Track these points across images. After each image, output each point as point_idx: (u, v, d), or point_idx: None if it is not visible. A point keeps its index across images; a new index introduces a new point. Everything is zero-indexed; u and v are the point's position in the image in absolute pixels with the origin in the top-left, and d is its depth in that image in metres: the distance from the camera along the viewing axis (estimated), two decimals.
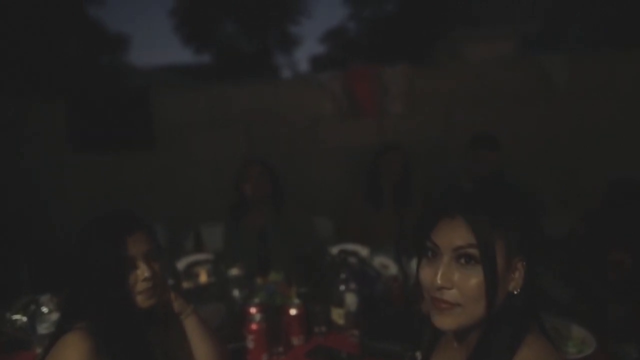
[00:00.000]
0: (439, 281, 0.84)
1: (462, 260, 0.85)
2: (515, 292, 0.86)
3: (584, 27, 7.74)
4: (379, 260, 2.10)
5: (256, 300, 1.76)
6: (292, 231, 2.49)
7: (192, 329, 1.34)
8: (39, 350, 1.61)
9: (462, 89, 3.74)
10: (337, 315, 1.74)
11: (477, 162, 2.68)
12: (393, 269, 2.06)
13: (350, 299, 1.74)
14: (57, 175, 3.80)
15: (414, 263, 1.68)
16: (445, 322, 0.86)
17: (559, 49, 3.72)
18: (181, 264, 2.20)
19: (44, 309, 1.71)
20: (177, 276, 2.08)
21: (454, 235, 0.85)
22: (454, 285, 0.84)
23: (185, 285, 2.09)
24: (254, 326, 1.62)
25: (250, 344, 1.61)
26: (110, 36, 11.46)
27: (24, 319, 1.72)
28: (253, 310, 1.67)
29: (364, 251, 2.15)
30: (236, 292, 1.95)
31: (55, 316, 1.68)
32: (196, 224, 3.12)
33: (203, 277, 2.17)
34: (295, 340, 1.68)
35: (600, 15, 7.76)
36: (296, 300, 1.72)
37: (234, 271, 2.07)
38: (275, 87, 3.92)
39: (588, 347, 1.47)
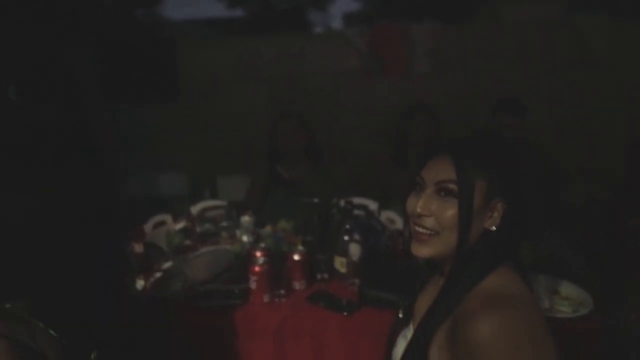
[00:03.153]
0: (418, 209, 0.93)
1: (442, 193, 0.93)
2: (491, 229, 0.93)
3: None
4: (387, 215, 2.12)
5: (262, 245, 1.81)
6: (329, 186, 2.50)
7: None
8: None
9: (493, 50, 3.62)
10: (340, 264, 1.79)
11: (500, 126, 2.62)
12: (399, 223, 2.08)
13: (354, 249, 1.77)
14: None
15: None
16: (421, 250, 0.95)
17: (600, 13, 3.49)
18: (196, 209, 2.28)
19: None
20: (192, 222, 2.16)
21: (439, 170, 0.94)
22: (432, 213, 0.93)
23: (199, 229, 2.17)
24: (257, 268, 1.68)
25: (253, 284, 1.68)
26: None
27: None
28: (258, 253, 1.74)
29: (372, 205, 2.17)
30: (245, 237, 2.02)
31: None
32: (214, 174, 3.19)
33: (217, 223, 2.24)
34: (297, 285, 1.74)
35: None
36: (300, 247, 1.77)
37: (246, 218, 2.13)
38: (301, 42, 3.88)
39: (585, 307, 1.48)
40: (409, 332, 1.08)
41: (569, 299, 1.53)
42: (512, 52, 3.59)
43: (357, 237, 1.79)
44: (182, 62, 3.90)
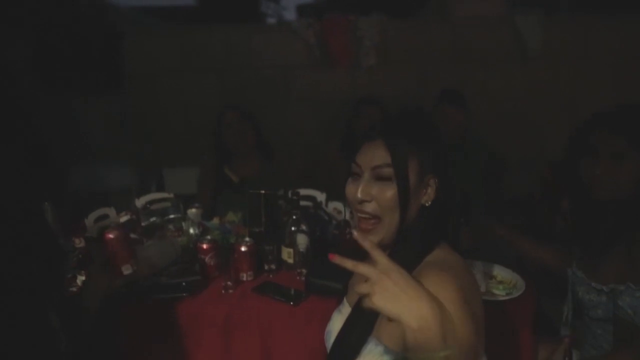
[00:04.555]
0: (359, 195, 0.96)
1: (380, 177, 0.96)
2: (427, 205, 0.97)
3: None
4: (334, 205, 2.16)
5: (209, 237, 1.80)
6: (279, 182, 2.43)
7: None
8: None
9: (439, 44, 3.73)
10: (287, 255, 1.80)
11: (442, 117, 2.71)
12: (346, 214, 2.12)
13: (301, 240, 1.79)
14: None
15: None
16: (372, 238, 0.97)
17: (537, 10, 3.67)
18: (140, 202, 2.23)
19: None
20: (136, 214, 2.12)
21: (374, 155, 0.97)
22: (373, 198, 0.96)
23: (144, 222, 2.13)
24: (204, 261, 1.67)
25: (200, 277, 1.67)
26: None
27: None
28: (205, 246, 1.73)
29: (320, 196, 2.20)
30: (192, 230, 2.00)
31: None
32: (161, 167, 3.13)
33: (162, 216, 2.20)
34: (245, 276, 1.74)
35: None
36: (247, 239, 1.77)
37: (193, 210, 2.11)
38: (250, 33, 3.85)
39: (517, 290, 1.57)
40: (343, 307, 1.12)
41: (503, 283, 1.62)
42: (457, 47, 3.72)
43: (304, 227, 1.81)
44: (128, 51, 3.78)
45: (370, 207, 0.97)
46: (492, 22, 3.74)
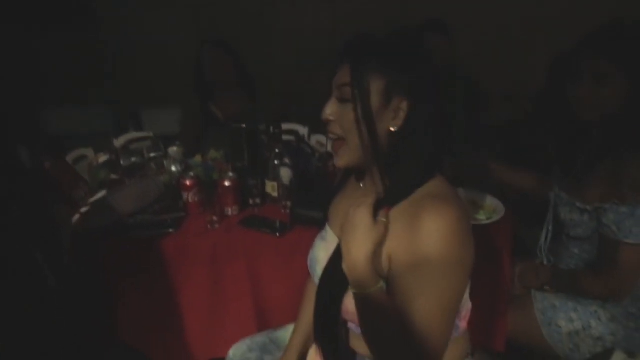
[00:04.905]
0: (323, 115, 0.96)
1: (342, 98, 0.94)
2: (392, 130, 0.92)
3: None
4: (317, 139, 2.14)
5: (192, 174, 1.79)
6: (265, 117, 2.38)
7: None
8: None
9: None
10: (271, 188, 1.81)
11: (428, 45, 2.65)
12: (329, 146, 2.11)
13: (285, 173, 1.79)
14: None
15: None
16: (338, 160, 0.98)
17: None
18: (119, 142, 2.18)
19: None
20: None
21: (339, 75, 0.94)
22: (337, 118, 0.95)
23: (124, 162, 2.09)
24: (188, 197, 1.67)
25: (184, 213, 1.67)
26: None
27: None
28: (188, 182, 1.72)
29: (302, 130, 2.18)
30: (174, 168, 1.98)
31: None
32: (138, 107, 3.04)
33: (144, 154, 2.17)
34: (230, 211, 1.74)
35: None
36: (231, 174, 1.76)
37: (174, 148, 2.08)
38: None
39: (497, 214, 1.61)
40: (326, 234, 1.13)
41: (484, 208, 1.65)
42: None
43: (287, 161, 1.80)
44: None
45: (334, 128, 0.96)
46: None
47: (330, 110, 0.95)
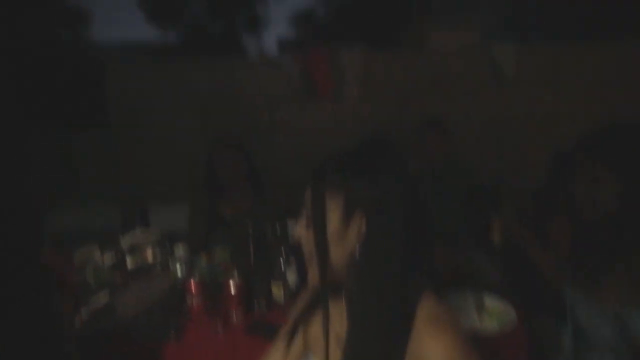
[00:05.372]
0: (295, 236, 0.96)
1: (305, 221, 0.93)
2: (357, 245, 0.88)
3: (542, 19, 7.99)
4: None
5: (196, 276, 1.77)
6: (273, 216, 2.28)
7: None
8: None
9: (418, 75, 3.81)
10: (277, 289, 1.78)
11: (428, 146, 2.72)
12: None
13: (290, 273, 1.78)
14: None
15: None
16: (309, 278, 0.95)
17: (513, 40, 3.80)
18: (125, 242, 2.19)
19: None
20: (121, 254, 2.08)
21: (305, 198, 0.94)
22: (305, 242, 0.93)
23: (130, 265, 2.08)
24: (192, 301, 1.65)
25: (189, 316, 1.64)
26: (69, 9, 11.04)
27: None
28: (193, 287, 1.71)
29: None
30: (179, 268, 1.97)
31: None
32: (146, 204, 3.09)
33: (148, 256, 2.16)
34: (235, 315, 1.70)
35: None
36: (236, 275, 1.73)
37: (180, 249, 2.08)
38: (233, 68, 3.89)
39: (508, 318, 1.56)
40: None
41: (495, 314, 1.61)
42: (436, 77, 3.80)
43: (292, 260, 1.79)
44: (111, 87, 3.78)
45: (305, 250, 0.94)
46: (469, 51, 3.84)
47: (298, 232, 0.95)
